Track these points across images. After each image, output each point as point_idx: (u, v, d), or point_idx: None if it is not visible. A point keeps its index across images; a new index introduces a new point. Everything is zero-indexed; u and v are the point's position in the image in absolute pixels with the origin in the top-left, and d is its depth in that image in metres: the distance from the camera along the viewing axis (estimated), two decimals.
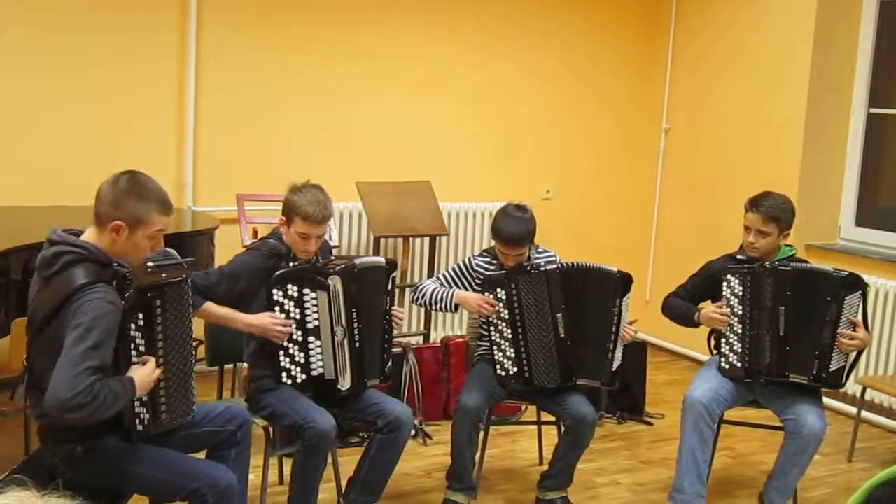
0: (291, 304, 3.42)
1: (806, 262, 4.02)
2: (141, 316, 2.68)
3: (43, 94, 4.88)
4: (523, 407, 4.88)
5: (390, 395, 3.83)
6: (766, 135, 5.72)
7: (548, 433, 4.39)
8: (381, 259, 3.74)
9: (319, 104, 5.55)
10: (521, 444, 4.68)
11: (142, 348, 2.69)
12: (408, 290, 5.41)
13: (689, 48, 6.27)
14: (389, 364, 3.69)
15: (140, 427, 2.73)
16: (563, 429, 3.89)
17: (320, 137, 5.57)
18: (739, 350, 3.82)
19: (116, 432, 2.73)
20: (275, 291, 3.39)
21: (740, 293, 3.81)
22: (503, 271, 3.80)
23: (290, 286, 3.42)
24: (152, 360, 2.67)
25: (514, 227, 3.75)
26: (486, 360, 3.90)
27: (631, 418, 5.09)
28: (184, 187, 5.21)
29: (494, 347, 3.79)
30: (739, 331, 3.82)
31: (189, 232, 4.50)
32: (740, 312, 3.81)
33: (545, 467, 4.00)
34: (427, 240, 5.53)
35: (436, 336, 5.46)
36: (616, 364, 3.80)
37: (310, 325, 3.45)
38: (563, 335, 3.78)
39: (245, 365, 3.69)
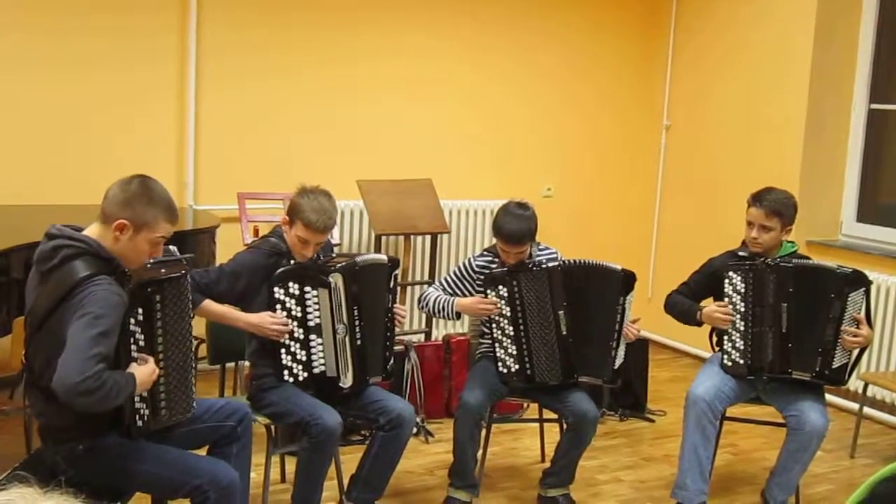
0: (293, 301, 3.42)
1: (808, 258, 4.02)
2: (140, 311, 2.68)
3: (45, 96, 4.88)
4: (525, 404, 4.88)
5: (392, 392, 3.83)
6: (767, 131, 5.72)
7: (550, 430, 4.39)
8: (382, 256, 3.74)
9: (320, 103, 5.55)
10: (524, 442, 4.68)
11: (141, 343, 2.69)
12: (409, 288, 5.41)
13: (690, 45, 6.27)
14: (391, 362, 3.69)
15: (140, 423, 2.73)
16: (565, 426, 3.89)
17: (321, 136, 5.57)
18: (742, 347, 3.82)
19: (116, 429, 2.73)
20: (276, 289, 3.40)
21: (742, 290, 3.81)
22: (505, 269, 3.80)
23: (291, 284, 3.42)
24: (152, 360, 2.67)
25: (515, 224, 3.75)
26: (487, 357, 3.90)
27: (633, 415, 5.09)
28: (185, 186, 5.21)
29: (496, 345, 3.79)
30: (742, 328, 3.81)
31: (190, 230, 4.49)
32: (742, 309, 3.81)
33: (547, 465, 4.00)
34: (428, 238, 5.53)
35: (437, 334, 5.46)
36: (619, 362, 3.80)
37: (311, 323, 3.45)
38: (565, 332, 3.78)
39: (247, 363, 3.69)
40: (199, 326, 3.06)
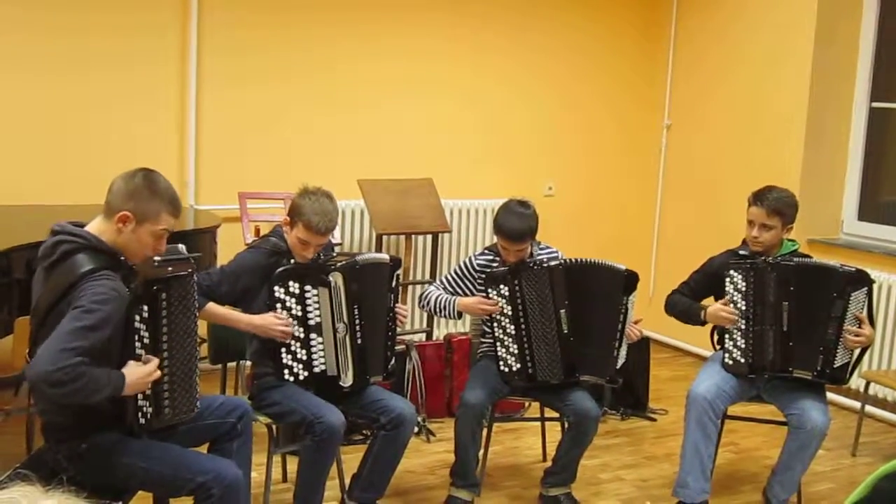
0: (293, 300, 3.42)
1: (809, 256, 4.02)
2: (146, 308, 2.68)
3: (45, 95, 4.89)
4: (527, 403, 4.88)
5: (393, 392, 3.83)
6: (768, 130, 5.71)
7: (551, 429, 4.40)
8: (384, 256, 3.74)
9: (321, 103, 5.55)
10: (525, 441, 4.68)
11: (146, 341, 2.69)
12: (410, 287, 5.41)
13: (691, 45, 6.27)
14: (392, 361, 3.69)
15: (142, 421, 2.73)
16: (566, 425, 3.89)
17: (322, 136, 5.57)
18: (743, 346, 3.82)
19: (119, 428, 2.73)
20: (276, 288, 3.40)
21: (743, 289, 3.80)
22: (506, 268, 3.80)
23: (291, 283, 3.42)
24: (155, 362, 2.67)
25: (516, 222, 3.75)
26: (488, 356, 3.90)
27: (634, 414, 5.09)
28: (186, 186, 5.21)
29: (497, 344, 3.79)
30: (743, 326, 3.81)
31: (192, 230, 4.50)
32: (743, 308, 3.81)
33: (549, 464, 4.00)
34: (429, 237, 5.53)
35: (439, 333, 5.46)
36: (620, 362, 3.80)
37: (311, 322, 3.45)
38: (566, 331, 3.78)
39: (248, 363, 3.69)
40: (200, 326, 3.06)
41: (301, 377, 3.45)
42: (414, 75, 5.81)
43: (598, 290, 3.79)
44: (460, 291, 3.93)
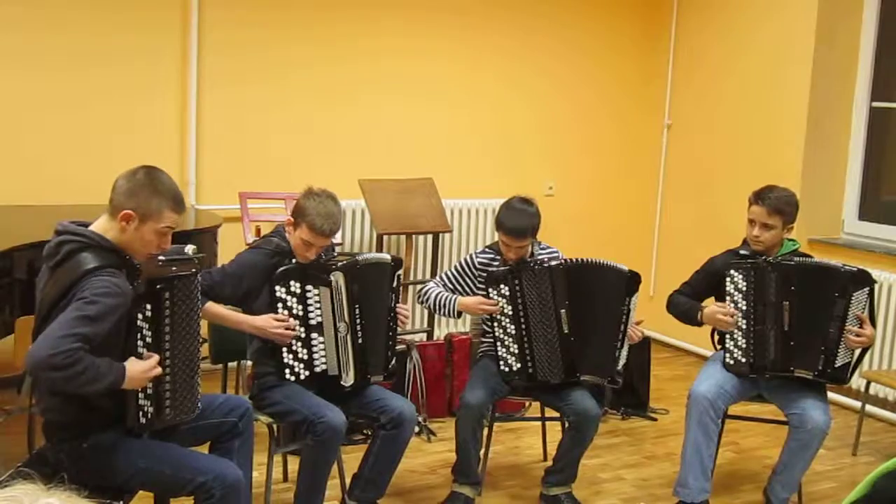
0: (294, 300, 3.42)
1: (809, 256, 4.02)
2: (149, 307, 2.69)
3: (45, 92, 4.89)
4: (527, 403, 4.88)
5: (394, 391, 3.83)
6: (769, 130, 5.72)
7: (552, 429, 4.40)
8: (385, 256, 3.74)
9: (322, 102, 5.56)
10: (526, 441, 4.68)
11: (148, 340, 2.70)
12: (411, 287, 5.41)
13: (691, 44, 6.27)
14: (393, 361, 3.69)
15: (144, 420, 2.73)
16: (566, 424, 3.90)
17: (323, 135, 5.57)
18: (744, 345, 3.82)
19: (121, 427, 2.73)
20: (277, 288, 3.40)
21: (744, 288, 3.81)
22: (506, 267, 3.80)
23: (292, 283, 3.42)
24: (156, 358, 2.67)
25: (518, 218, 3.76)
26: (489, 356, 3.90)
27: (635, 414, 5.09)
28: (187, 185, 5.21)
29: (498, 343, 3.79)
30: (743, 326, 3.81)
31: (192, 230, 4.50)
32: (744, 308, 3.81)
33: (549, 463, 4.00)
34: (430, 237, 5.53)
35: (439, 333, 5.46)
36: (621, 363, 3.80)
37: (312, 322, 3.45)
38: (566, 331, 3.78)
39: (249, 363, 3.69)
40: (201, 326, 3.07)
41: (302, 377, 3.45)
42: (415, 75, 5.81)
43: (600, 290, 3.79)
44: (460, 289, 3.93)
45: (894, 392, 5.07)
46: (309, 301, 3.44)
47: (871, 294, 3.73)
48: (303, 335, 3.44)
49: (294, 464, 3.73)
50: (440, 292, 3.90)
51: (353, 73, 5.62)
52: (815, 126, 5.50)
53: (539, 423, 4.45)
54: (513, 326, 3.77)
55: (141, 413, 2.73)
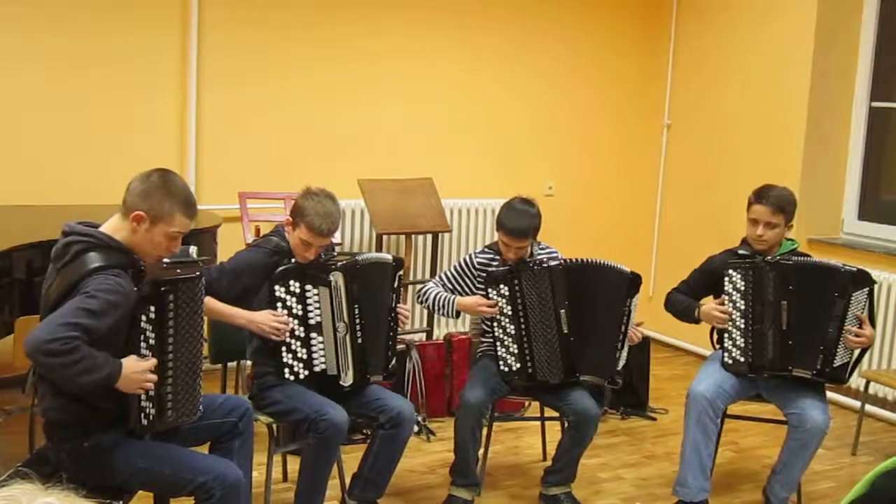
0: (293, 299, 3.42)
1: (808, 256, 4.02)
2: (153, 309, 2.70)
3: (45, 92, 4.89)
4: (527, 403, 4.88)
5: (394, 391, 3.83)
6: (768, 129, 5.72)
7: (551, 429, 4.40)
8: (385, 255, 3.74)
9: (321, 102, 5.56)
10: (525, 440, 4.68)
11: (151, 341, 2.70)
12: (411, 287, 5.41)
13: (691, 44, 6.27)
14: (393, 362, 3.69)
15: (145, 422, 2.74)
16: (566, 424, 3.90)
17: (322, 135, 5.57)
18: (742, 345, 3.82)
19: (121, 428, 2.74)
20: (277, 287, 3.40)
21: (742, 288, 3.81)
22: (506, 267, 3.80)
23: (292, 282, 3.42)
24: (153, 362, 2.68)
25: (519, 218, 3.76)
26: (488, 355, 3.90)
27: (634, 413, 5.09)
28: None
29: (497, 343, 3.79)
30: (742, 325, 3.82)
31: (192, 230, 4.48)
32: (742, 307, 3.81)
33: (549, 463, 4.01)
34: (430, 237, 5.53)
35: (439, 333, 5.46)
36: (621, 363, 3.80)
37: (312, 321, 3.45)
38: (566, 331, 3.78)
39: (248, 362, 3.69)
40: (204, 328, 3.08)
41: (301, 376, 3.45)
42: (415, 75, 5.81)
43: (601, 290, 3.79)
44: (459, 289, 3.93)
45: (894, 391, 5.07)
46: (308, 301, 3.44)
47: (870, 294, 3.74)
48: (302, 335, 3.44)
49: (293, 464, 3.73)
50: (439, 292, 3.90)
51: (353, 73, 5.62)
52: (815, 126, 5.51)
53: (538, 422, 4.45)
54: (512, 326, 3.77)
55: (143, 415, 2.73)
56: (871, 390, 4.84)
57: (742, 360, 3.82)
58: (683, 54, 6.33)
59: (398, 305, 3.68)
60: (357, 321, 3.52)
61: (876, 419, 5.13)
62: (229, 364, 3.91)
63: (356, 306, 3.52)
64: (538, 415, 4.36)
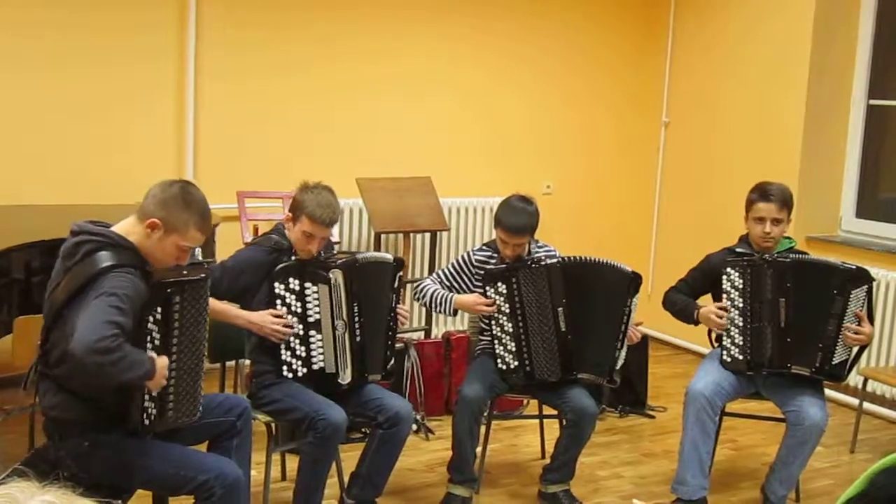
0: (293, 297, 3.43)
1: (805, 253, 4.02)
2: (159, 310, 2.70)
3: (42, 93, 4.88)
4: (525, 401, 4.88)
5: (392, 390, 3.83)
6: (767, 127, 5.72)
7: (550, 427, 4.40)
8: (386, 255, 3.75)
9: (320, 101, 5.55)
10: (524, 438, 4.68)
11: (157, 342, 2.71)
12: (409, 285, 5.41)
13: (689, 42, 6.27)
14: (392, 361, 3.69)
15: (147, 422, 2.74)
16: (564, 422, 3.90)
17: (321, 134, 5.57)
18: (741, 343, 3.82)
19: (121, 427, 2.74)
20: (276, 285, 3.40)
21: (740, 286, 3.81)
22: (504, 265, 3.80)
23: (291, 280, 3.42)
24: (165, 360, 2.69)
25: (517, 215, 3.76)
26: (486, 353, 3.90)
27: (633, 411, 5.09)
28: None
29: (495, 341, 3.80)
30: (740, 323, 3.82)
31: None
32: (741, 305, 3.81)
33: (548, 461, 4.00)
34: (428, 235, 5.53)
35: (437, 331, 5.46)
36: (620, 363, 3.80)
37: (311, 319, 3.46)
38: (564, 329, 3.78)
39: (247, 361, 3.69)
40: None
41: (300, 374, 3.45)
42: (412, 74, 5.81)
43: (600, 288, 3.79)
44: (456, 286, 3.93)
45: (891, 389, 5.07)
46: (308, 298, 3.44)
47: (869, 292, 3.74)
48: (301, 333, 3.45)
49: (292, 462, 3.73)
50: (436, 289, 3.90)
51: (351, 73, 5.62)
52: (813, 124, 5.51)
53: (537, 420, 4.45)
54: (510, 324, 3.77)
55: (145, 415, 2.73)
56: (869, 388, 4.85)
57: (741, 357, 3.83)
58: (681, 52, 6.33)
59: (398, 306, 3.68)
60: (356, 319, 3.52)
61: (874, 416, 5.13)
62: (227, 363, 3.91)
63: (355, 304, 3.52)
64: (536, 413, 4.36)
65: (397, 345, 4.33)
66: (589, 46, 6.36)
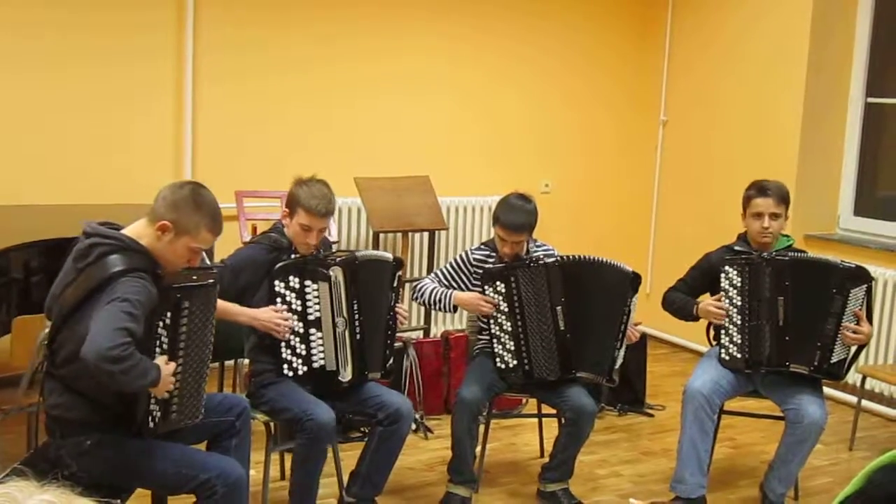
0: (293, 295, 3.43)
1: (804, 252, 4.03)
2: (169, 314, 2.71)
3: (41, 93, 4.88)
4: (524, 400, 4.88)
5: (391, 389, 3.83)
6: (765, 125, 5.72)
7: (549, 426, 4.40)
8: (386, 254, 3.75)
9: (318, 101, 5.55)
10: (523, 437, 4.68)
11: (164, 346, 2.71)
12: (408, 285, 5.41)
13: (687, 41, 6.27)
14: (391, 360, 3.70)
15: (151, 424, 2.75)
16: (563, 421, 3.90)
17: (319, 134, 5.57)
18: (739, 341, 3.83)
19: (123, 427, 2.74)
20: (276, 283, 3.41)
21: (739, 284, 3.81)
22: (502, 264, 3.80)
23: (291, 277, 3.43)
24: (172, 365, 2.70)
25: (516, 212, 3.76)
26: (485, 353, 3.90)
27: (632, 410, 5.10)
28: None
29: (494, 340, 3.80)
30: (739, 322, 3.82)
31: None
32: (739, 303, 3.82)
33: (546, 460, 4.01)
34: (426, 234, 5.54)
35: (436, 330, 5.47)
36: (619, 362, 3.81)
37: (311, 317, 3.46)
38: (562, 328, 3.78)
39: (246, 361, 3.70)
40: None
41: (300, 372, 3.46)
42: (411, 73, 5.81)
43: (599, 288, 3.79)
44: (455, 285, 3.93)
45: (890, 387, 5.08)
46: (308, 296, 3.45)
47: (868, 291, 3.74)
48: (301, 330, 3.45)
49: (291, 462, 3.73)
50: (435, 288, 3.90)
51: (350, 72, 5.62)
52: (811, 122, 5.51)
53: (536, 419, 4.46)
54: (509, 323, 3.77)
55: (150, 418, 2.74)
56: (867, 386, 4.85)
57: (739, 356, 3.83)
58: (679, 51, 6.33)
59: (397, 305, 3.69)
60: (356, 317, 3.53)
61: (872, 414, 5.14)
62: (227, 362, 3.91)
63: (355, 302, 3.53)
64: (535, 412, 4.36)
65: (396, 344, 4.33)
66: (587, 45, 6.36)
